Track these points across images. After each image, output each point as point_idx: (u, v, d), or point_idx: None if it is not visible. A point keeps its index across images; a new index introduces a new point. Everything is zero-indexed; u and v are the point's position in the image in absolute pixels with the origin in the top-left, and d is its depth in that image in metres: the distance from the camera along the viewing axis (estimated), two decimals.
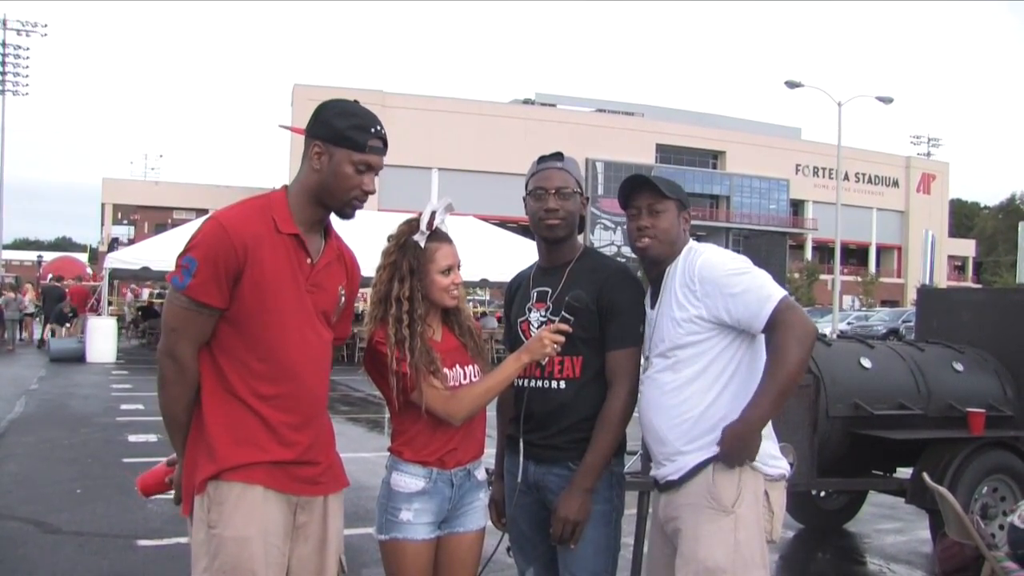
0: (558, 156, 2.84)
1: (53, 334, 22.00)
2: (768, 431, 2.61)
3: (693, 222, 2.89)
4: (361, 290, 3.15)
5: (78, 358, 18.33)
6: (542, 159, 2.86)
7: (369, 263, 2.70)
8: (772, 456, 2.63)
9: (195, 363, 2.29)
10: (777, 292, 2.55)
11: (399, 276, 2.66)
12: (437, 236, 2.72)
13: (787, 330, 2.50)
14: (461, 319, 2.82)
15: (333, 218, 2.47)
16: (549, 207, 2.75)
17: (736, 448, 2.51)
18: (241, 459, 2.25)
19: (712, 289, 2.58)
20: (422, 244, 2.68)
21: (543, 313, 2.80)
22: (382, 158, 2.39)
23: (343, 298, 2.50)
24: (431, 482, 2.66)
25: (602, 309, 2.71)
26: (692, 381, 2.61)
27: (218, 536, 2.23)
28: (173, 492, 2.46)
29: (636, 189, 2.74)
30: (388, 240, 2.75)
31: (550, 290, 2.80)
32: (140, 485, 2.59)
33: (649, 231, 2.70)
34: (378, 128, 2.36)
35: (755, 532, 2.55)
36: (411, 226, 2.72)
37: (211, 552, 2.24)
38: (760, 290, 2.55)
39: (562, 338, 2.63)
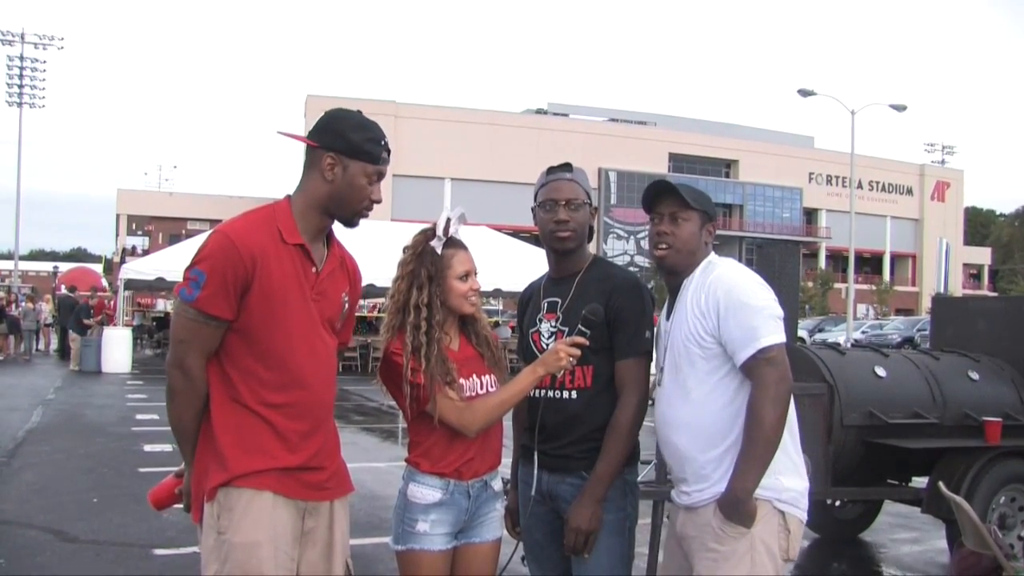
0: (567, 167, 2.84)
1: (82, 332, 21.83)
2: (788, 454, 2.56)
3: None
4: (373, 300, 3.17)
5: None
6: (551, 170, 2.86)
7: (383, 273, 2.71)
8: (787, 488, 2.55)
9: (203, 374, 2.32)
10: (768, 338, 2.47)
11: (417, 284, 2.68)
12: (453, 243, 2.74)
13: (762, 389, 2.45)
14: (478, 328, 2.83)
15: (344, 228, 2.50)
16: (560, 219, 2.76)
17: (731, 517, 2.48)
18: (251, 466, 2.28)
19: (714, 304, 2.55)
20: (439, 250, 2.70)
21: (553, 324, 2.80)
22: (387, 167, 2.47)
23: (346, 305, 2.53)
24: (448, 493, 2.67)
25: (610, 319, 2.70)
26: (706, 397, 2.58)
27: (228, 542, 2.26)
28: (183, 502, 2.49)
29: (661, 195, 2.71)
30: (404, 251, 2.76)
31: (560, 300, 2.81)
32: (152, 499, 2.62)
33: (668, 238, 2.67)
34: (386, 140, 2.43)
35: (765, 555, 2.51)
36: (427, 235, 2.74)
37: (221, 558, 2.26)
38: (753, 330, 2.48)
39: (578, 352, 2.62)
